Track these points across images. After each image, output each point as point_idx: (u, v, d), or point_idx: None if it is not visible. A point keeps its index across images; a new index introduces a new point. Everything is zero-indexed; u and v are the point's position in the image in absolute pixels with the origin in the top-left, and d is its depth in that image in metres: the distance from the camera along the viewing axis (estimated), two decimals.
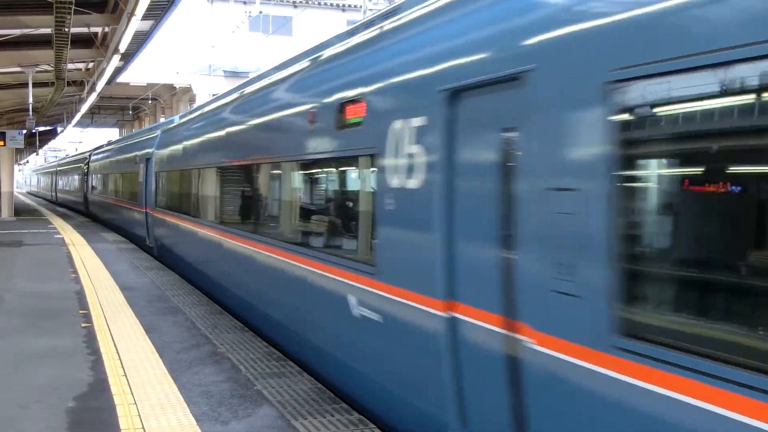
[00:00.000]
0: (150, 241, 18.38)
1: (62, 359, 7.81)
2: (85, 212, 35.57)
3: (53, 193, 57.84)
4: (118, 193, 24.68)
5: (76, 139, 73.74)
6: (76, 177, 41.04)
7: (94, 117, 50.49)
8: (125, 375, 7.23)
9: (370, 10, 22.21)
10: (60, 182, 52.68)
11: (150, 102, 44.12)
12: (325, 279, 6.74)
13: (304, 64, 8.38)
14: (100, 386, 6.87)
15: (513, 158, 4.02)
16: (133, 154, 21.50)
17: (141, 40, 19.46)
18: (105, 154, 30.18)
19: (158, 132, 18.75)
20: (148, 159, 18.53)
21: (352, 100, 6.16)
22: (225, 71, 37.45)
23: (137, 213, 20.17)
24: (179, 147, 14.90)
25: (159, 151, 17.36)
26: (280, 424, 5.93)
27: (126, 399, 6.49)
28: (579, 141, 3.58)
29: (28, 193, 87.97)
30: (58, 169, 55.52)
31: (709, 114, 3.03)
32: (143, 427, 5.80)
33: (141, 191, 19.39)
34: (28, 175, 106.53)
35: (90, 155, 35.92)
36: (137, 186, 20.21)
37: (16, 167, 48.84)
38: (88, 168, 35.19)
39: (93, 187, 33.00)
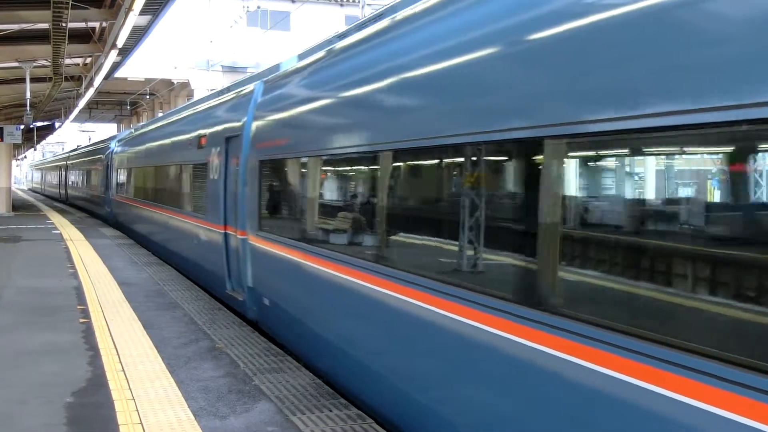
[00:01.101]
0: (237, 290, 10.42)
1: (60, 355, 7.82)
2: (108, 220, 27.17)
3: (61, 191, 48.58)
4: (165, 199, 16.16)
5: (89, 129, 62.23)
6: (94, 172, 32.16)
7: (92, 112, 50.46)
8: (123, 370, 7.24)
9: (369, 5, 22.17)
10: (72, 178, 42.94)
11: (148, 97, 44.11)
12: None
13: None
14: (98, 382, 6.88)
15: None
16: (195, 134, 13.33)
17: (139, 35, 19.43)
18: (137, 141, 21.59)
19: (253, 88, 10.44)
20: (229, 138, 10.82)
21: None
22: (223, 66, 37.41)
23: (206, 233, 12.01)
24: (337, 103, 7.16)
25: (262, 122, 9.53)
26: (278, 419, 5.94)
27: (124, 394, 6.50)
28: None
29: (30, 190, 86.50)
30: (69, 162, 45.05)
31: None
32: (141, 423, 5.80)
33: (216, 197, 11.24)
34: (28, 171, 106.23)
35: (113, 143, 27.54)
36: (205, 187, 12.17)
37: (13, 162, 48.75)
38: (110, 160, 26.77)
39: (119, 187, 24.26)
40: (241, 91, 11.49)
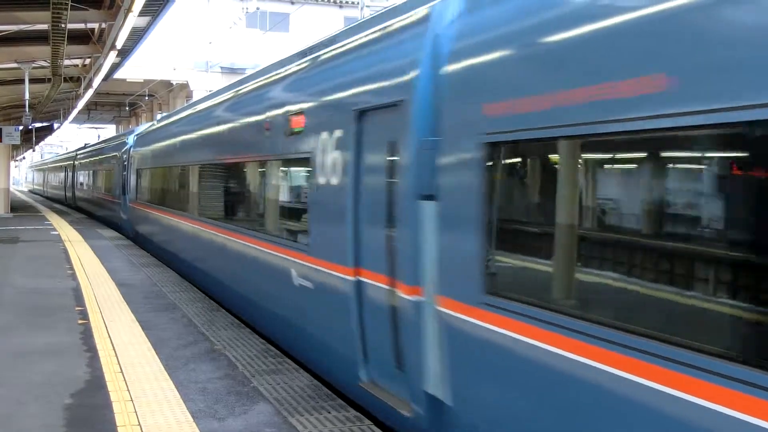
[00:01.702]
0: (392, 389, 5.69)
1: (59, 356, 7.81)
2: (125, 230, 22.87)
3: (67, 194, 44.11)
4: (214, 212, 11.56)
5: (97, 127, 58.77)
6: (108, 173, 27.12)
7: (90, 113, 50.43)
8: (122, 372, 7.24)
9: (368, 6, 22.18)
10: (80, 179, 38.16)
11: (147, 98, 44.11)
12: None
13: None
14: (96, 383, 6.88)
15: None
16: (279, 112, 8.31)
17: (138, 36, 19.45)
18: (168, 133, 16.14)
19: (428, 12, 5.39)
20: (365, 112, 6.10)
21: None
22: (222, 67, 37.39)
23: (309, 276, 7.19)
24: None
25: (486, 61, 4.59)
26: (277, 420, 5.95)
27: (122, 396, 6.50)
28: None
29: (30, 191, 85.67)
30: (77, 162, 39.96)
31: None
32: (139, 424, 5.81)
33: (333, 217, 6.56)
34: (27, 172, 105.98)
35: (131, 138, 22.69)
36: (306, 199, 7.56)
37: (12, 163, 48.66)
38: (128, 159, 22.12)
39: (140, 191, 19.60)
40: (390, 25, 6.19)
